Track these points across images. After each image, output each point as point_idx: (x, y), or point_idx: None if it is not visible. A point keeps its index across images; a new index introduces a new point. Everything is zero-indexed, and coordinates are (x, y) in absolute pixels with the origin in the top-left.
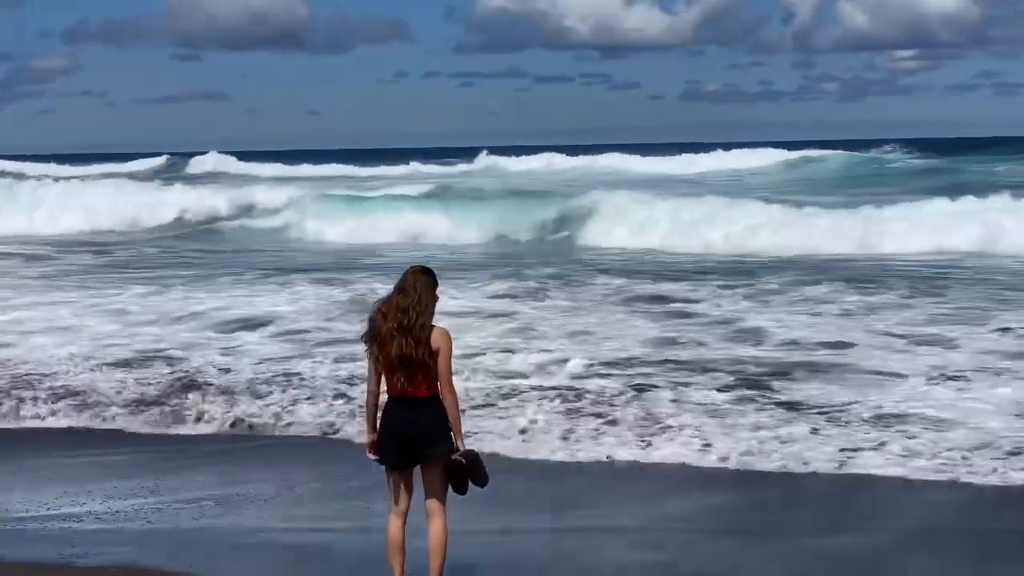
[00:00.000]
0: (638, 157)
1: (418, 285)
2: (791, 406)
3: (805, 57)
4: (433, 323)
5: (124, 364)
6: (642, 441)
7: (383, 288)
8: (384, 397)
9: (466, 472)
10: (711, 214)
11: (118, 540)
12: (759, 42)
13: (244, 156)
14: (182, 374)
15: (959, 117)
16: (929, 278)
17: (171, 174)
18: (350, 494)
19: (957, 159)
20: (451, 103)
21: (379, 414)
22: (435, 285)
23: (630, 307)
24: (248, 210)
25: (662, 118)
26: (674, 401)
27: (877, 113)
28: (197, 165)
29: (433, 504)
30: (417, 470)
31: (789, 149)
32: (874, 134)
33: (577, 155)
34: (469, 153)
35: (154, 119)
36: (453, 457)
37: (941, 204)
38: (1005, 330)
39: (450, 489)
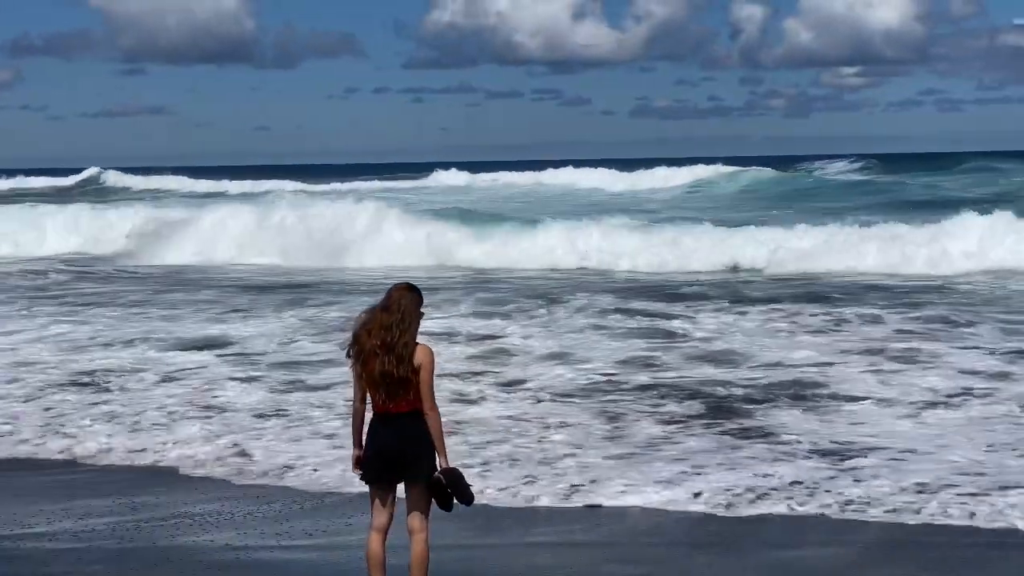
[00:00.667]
0: (589, 170)
1: (402, 303)
2: None
3: (752, 73)
4: (416, 340)
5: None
6: None
7: None
8: (369, 414)
9: (446, 490)
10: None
11: (94, 559)
12: (708, 58)
13: (193, 171)
14: None
15: (904, 132)
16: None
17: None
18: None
19: (899, 175)
20: (401, 118)
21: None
22: (420, 302)
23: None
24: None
25: (613, 133)
26: None
27: (823, 129)
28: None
29: (415, 520)
30: (401, 486)
31: (735, 165)
32: (820, 150)
33: (527, 171)
34: (420, 168)
35: (98, 133)
36: (434, 475)
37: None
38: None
39: (435, 506)
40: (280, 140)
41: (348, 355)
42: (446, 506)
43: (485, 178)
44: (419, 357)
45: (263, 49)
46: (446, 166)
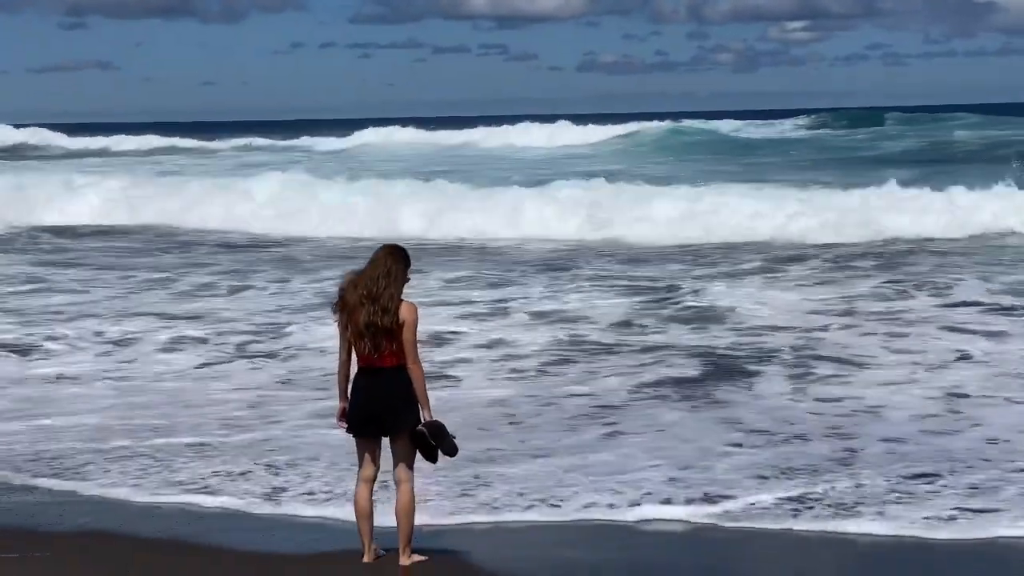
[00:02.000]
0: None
1: (388, 260)
2: None
3: (699, 28)
4: (402, 298)
5: None
6: None
7: None
8: (354, 369)
9: (430, 442)
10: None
11: None
12: (654, 12)
13: (139, 128)
14: None
15: (851, 88)
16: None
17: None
18: None
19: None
20: (348, 74)
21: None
22: (407, 262)
23: None
24: None
25: (560, 89)
26: None
27: (770, 84)
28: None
29: (400, 471)
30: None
31: (684, 120)
32: (767, 105)
33: (479, 126)
34: (366, 124)
35: (40, 89)
36: (417, 428)
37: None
38: None
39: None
40: (226, 96)
41: (334, 310)
42: (431, 458)
43: (414, 136)
44: (404, 313)
45: (208, 3)
46: (391, 122)
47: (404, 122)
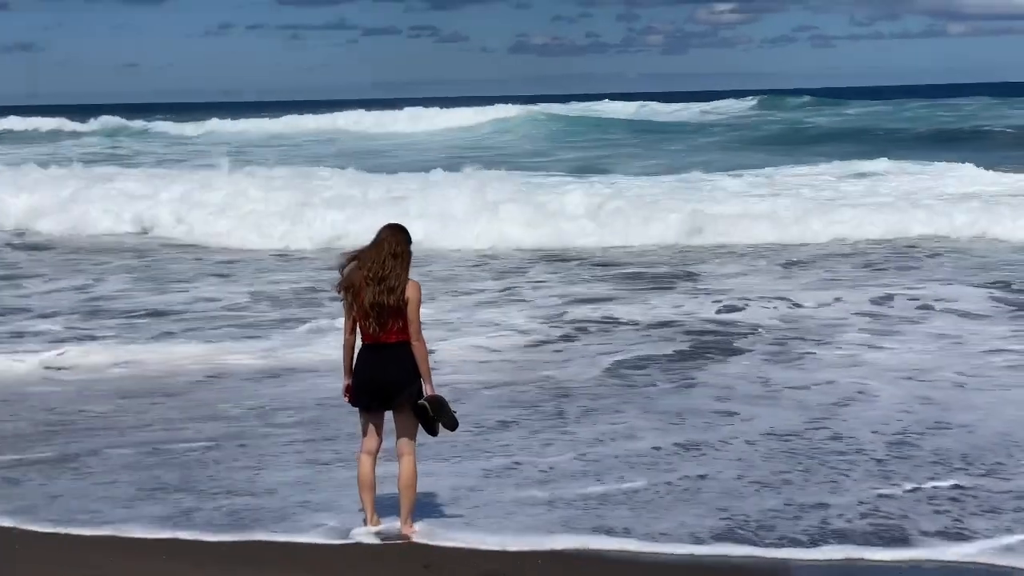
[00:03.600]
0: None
1: (391, 240)
2: None
3: (629, 10)
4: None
5: None
6: None
7: None
8: (359, 344)
9: (429, 415)
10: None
11: None
12: None
13: (55, 111)
14: None
15: (780, 69)
16: None
17: None
18: None
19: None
20: (277, 55)
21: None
22: (409, 241)
23: None
24: None
25: (492, 70)
26: None
27: (700, 65)
28: None
29: (403, 444)
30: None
31: (618, 100)
32: (698, 86)
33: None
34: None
35: None
36: (419, 402)
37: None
38: None
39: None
40: (150, 77)
41: (337, 289)
42: (432, 431)
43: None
44: (409, 291)
45: None
46: (319, 104)
47: (334, 104)
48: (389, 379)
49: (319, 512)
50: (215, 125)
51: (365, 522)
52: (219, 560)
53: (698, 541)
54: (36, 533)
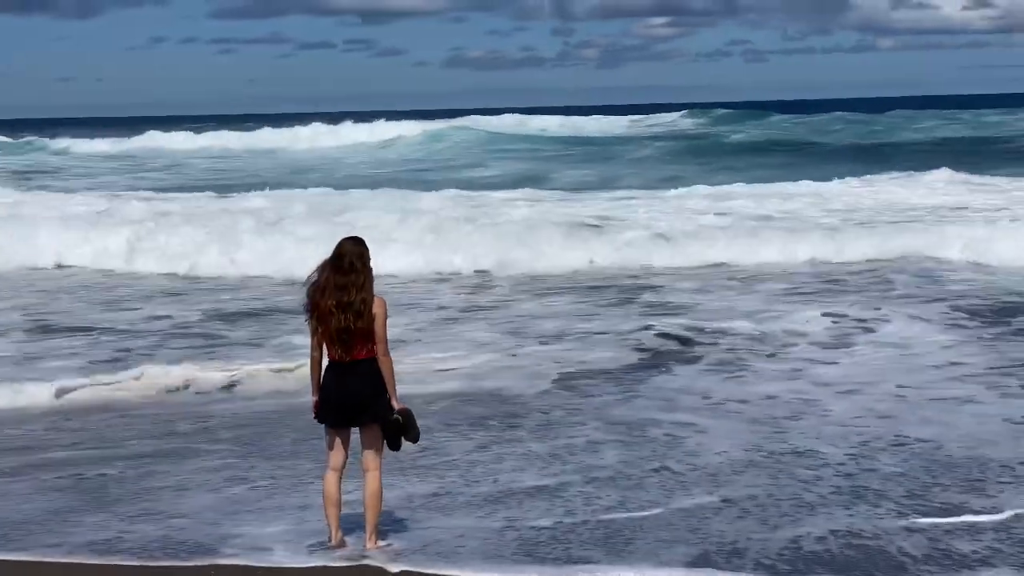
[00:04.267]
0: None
1: (355, 262)
2: None
3: (564, 24)
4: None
5: None
6: None
7: None
8: (326, 360)
9: (400, 429)
10: None
11: None
12: (520, 8)
13: None
14: None
15: (714, 82)
16: None
17: None
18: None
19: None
20: (210, 70)
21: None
22: (368, 254)
23: None
24: None
25: (427, 84)
26: None
27: (636, 79)
28: None
29: (369, 459)
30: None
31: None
32: (633, 100)
33: (341, 122)
34: (228, 120)
35: None
36: (392, 417)
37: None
38: None
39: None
40: (83, 92)
41: (305, 311)
42: (395, 446)
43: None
44: (375, 308)
45: None
46: (251, 119)
47: (264, 119)
48: (356, 396)
49: (274, 533)
50: (145, 141)
51: (329, 539)
52: None
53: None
54: None
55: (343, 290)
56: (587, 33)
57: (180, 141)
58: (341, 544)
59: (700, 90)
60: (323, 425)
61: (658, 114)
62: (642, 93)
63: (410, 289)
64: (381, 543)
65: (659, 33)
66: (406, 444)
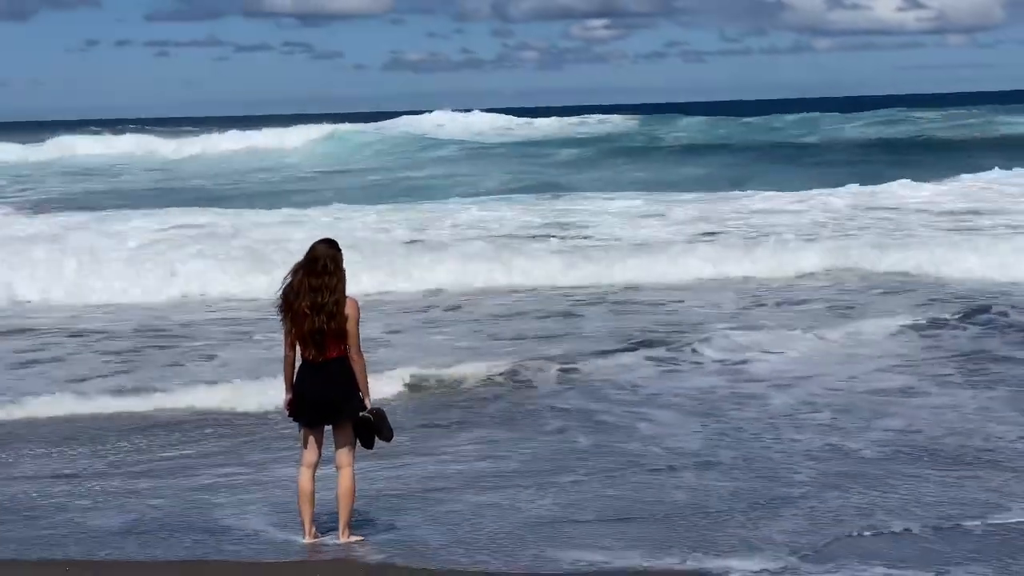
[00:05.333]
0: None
1: (329, 264)
2: None
3: (503, 26)
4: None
5: None
6: None
7: None
8: (299, 361)
9: (373, 428)
10: None
11: None
12: (459, 11)
13: None
14: None
15: (653, 84)
16: None
17: None
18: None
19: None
20: (145, 73)
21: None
22: (341, 258)
23: None
24: None
25: (366, 87)
26: None
27: (575, 81)
28: None
29: (342, 456)
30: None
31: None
32: (571, 101)
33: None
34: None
35: None
36: (362, 414)
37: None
38: None
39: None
40: (15, 95)
41: (279, 311)
42: (368, 444)
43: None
44: (348, 309)
45: None
46: (190, 121)
47: (204, 122)
48: (330, 395)
49: (253, 525)
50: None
51: (303, 535)
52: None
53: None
54: None
55: (317, 291)
56: (526, 35)
57: (89, 147)
58: (315, 539)
59: (640, 91)
60: (296, 423)
61: (594, 114)
62: (582, 95)
63: None
64: (354, 537)
65: (598, 35)
66: (379, 443)
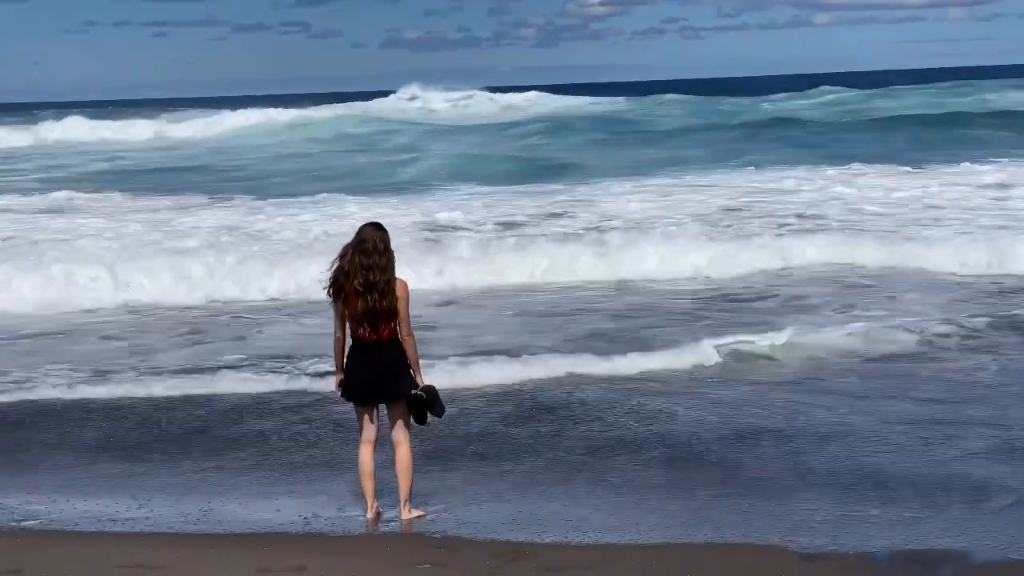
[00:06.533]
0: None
1: (379, 244)
2: None
3: (500, 4)
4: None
5: None
6: None
7: None
8: (349, 340)
9: (425, 404)
10: None
11: None
12: None
13: None
14: None
15: (651, 61)
16: None
17: None
18: None
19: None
20: (144, 53)
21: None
22: (389, 239)
23: None
24: None
25: (365, 66)
26: None
27: (572, 58)
28: None
29: (399, 433)
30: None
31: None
32: (569, 79)
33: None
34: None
35: None
36: (414, 392)
37: None
38: None
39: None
40: (13, 77)
41: (329, 294)
42: (421, 420)
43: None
44: (398, 290)
45: None
46: (189, 103)
47: (207, 102)
48: (383, 375)
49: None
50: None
51: (366, 510)
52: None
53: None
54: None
55: (368, 271)
56: (523, 12)
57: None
58: (378, 515)
59: (639, 68)
60: (351, 403)
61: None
62: (579, 72)
63: None
64: (415, 512)
65: (594, 12)
66: (432, 418)
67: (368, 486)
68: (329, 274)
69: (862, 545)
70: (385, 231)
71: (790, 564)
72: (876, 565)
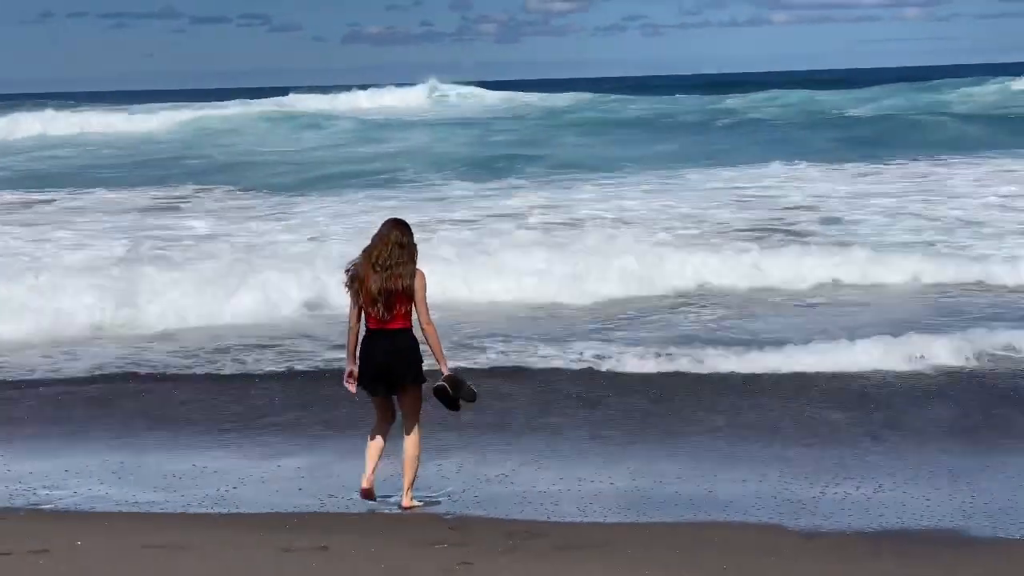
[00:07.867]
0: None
1: (397, 232)
2: None
3: None
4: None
5: None
6: None
7: None
8: (363, 331)
9: (451, 394)
10: None
11: None
12: None
13: None
14: None
15: (612, 57)
16: None
17: None
18: None
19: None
20: (102, 45)
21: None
22: (412, 232)
23: None
24: None
25: (325, 60)
26: None
27: (534, 54)
28: None
29: (406, 423)
30: None
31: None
32: (531, 75)
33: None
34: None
35: None
36: (437, 384)
37: None
38: None
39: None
40: None
41: (347, 284)
42: (454, 408)
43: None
44: (416, 279)
45: None
46: (147, 96)
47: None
48: (392, 365)
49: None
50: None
51: (363, 477)
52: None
53: None
54: None
55: (387, 252)
56: (485, 8)
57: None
58: (370, 489)
59: (600, 64)
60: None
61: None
62: (541, 68)
63: None
64: (416, 503)
65: (556, 8)
66: (466, 405)
67: (373, 456)
68: (351, 263)
69: None
70: (407, 226)
71: None
72: None
